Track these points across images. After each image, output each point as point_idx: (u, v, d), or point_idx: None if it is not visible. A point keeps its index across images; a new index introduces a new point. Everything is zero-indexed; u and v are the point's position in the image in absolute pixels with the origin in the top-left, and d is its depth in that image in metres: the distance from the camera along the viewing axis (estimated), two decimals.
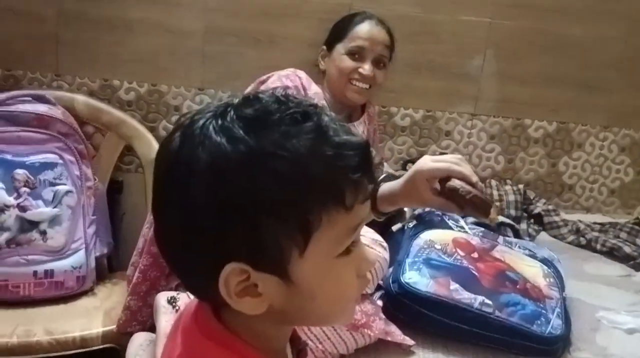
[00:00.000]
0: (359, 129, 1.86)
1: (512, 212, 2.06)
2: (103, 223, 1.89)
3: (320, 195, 0.60)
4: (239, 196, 0.58)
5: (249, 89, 1.63)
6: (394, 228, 1.65)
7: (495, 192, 2.11)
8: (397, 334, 1.35)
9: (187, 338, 0.67)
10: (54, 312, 1.72)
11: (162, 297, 1.37)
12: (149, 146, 1.95)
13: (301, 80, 1.65)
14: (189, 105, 2.06)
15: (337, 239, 0.62)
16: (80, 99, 1.96)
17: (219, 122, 0.60)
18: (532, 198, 2.17)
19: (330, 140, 0.60)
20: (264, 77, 1.66)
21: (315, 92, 1.66)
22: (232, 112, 0.61)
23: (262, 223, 0.58)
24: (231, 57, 2.03)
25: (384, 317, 1.36)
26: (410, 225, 1.61)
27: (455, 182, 1.20)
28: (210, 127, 0.60)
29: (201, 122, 0.61)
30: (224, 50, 2.03)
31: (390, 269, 1.45)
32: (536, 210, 2.10)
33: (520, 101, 2.16)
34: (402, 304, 1.39)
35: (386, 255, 1.39)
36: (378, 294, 1.45)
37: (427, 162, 1.27)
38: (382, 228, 1.53)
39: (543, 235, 2.05)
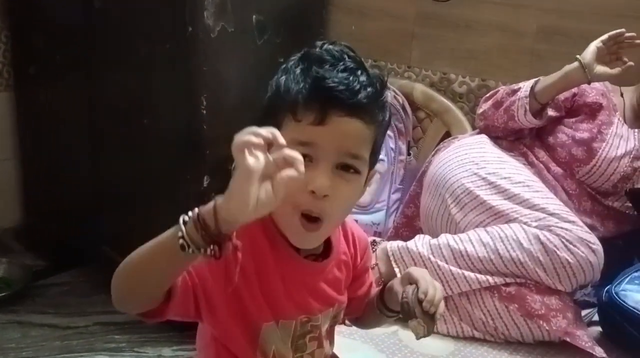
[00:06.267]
0: None
1: None
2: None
3: (284, 102, 0.88)
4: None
5: None
6: None
7: None
8: (581, 339, 1.28)
9: None
10: None
11: None
12: (464, 133, 2.14)
13: None
14: None
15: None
16: (419, 87, 2.27)
17: None
18: None
19: (308, 72, 0.88)
20: None
21: None
22: None
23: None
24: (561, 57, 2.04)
25: (571, 317, 1.30)
26: None
27: None
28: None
29: None
30: (553, 50, 2.06)
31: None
32: None
33: None
34: (606, 314, 1.31)
35: (592, 257, 1.32)
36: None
37: None
38: None
39: None
